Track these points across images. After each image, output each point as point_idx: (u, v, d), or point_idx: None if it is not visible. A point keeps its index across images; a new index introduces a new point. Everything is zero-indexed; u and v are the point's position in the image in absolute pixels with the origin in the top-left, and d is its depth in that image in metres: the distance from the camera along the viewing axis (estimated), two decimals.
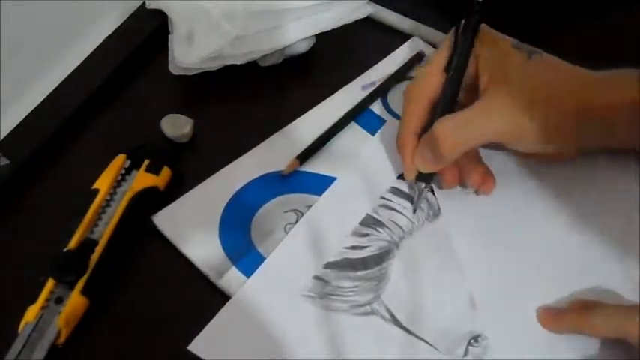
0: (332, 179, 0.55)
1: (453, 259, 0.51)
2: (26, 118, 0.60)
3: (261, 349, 0.47)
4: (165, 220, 0.53)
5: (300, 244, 0.51)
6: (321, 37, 0.63)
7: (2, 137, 0.58)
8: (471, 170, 0.52)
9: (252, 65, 0.62)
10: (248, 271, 0.50)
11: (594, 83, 0.49)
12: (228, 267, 0.51)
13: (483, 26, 0.51)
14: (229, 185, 0.55)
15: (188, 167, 0.57)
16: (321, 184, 0.55)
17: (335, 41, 0.64)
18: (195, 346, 0.47)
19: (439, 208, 0.53)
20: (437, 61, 0.52)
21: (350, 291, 0.49)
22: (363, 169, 0.55)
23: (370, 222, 0.52)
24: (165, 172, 0.55)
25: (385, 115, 0.59)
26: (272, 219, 0.53)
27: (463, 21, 0.51)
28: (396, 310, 0.49)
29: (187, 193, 0.54)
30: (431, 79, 0.52)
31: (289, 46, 0.62)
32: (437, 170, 0.51)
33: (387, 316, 0.48)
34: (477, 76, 0.51)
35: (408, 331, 0.48)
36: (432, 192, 0.54)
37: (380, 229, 0.52)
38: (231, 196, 0.54)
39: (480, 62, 0.51)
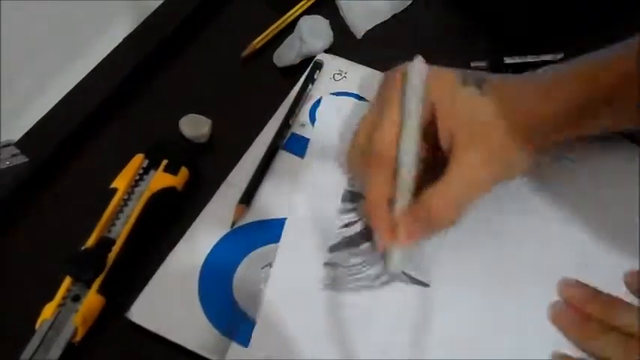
0: None
1: None
2: (45, 116, 0.60)
3: (303, 344, 0.47)
4: (141, 312, 0.49)
5: (298, 241, 0.51)
6: (337, 38, 0.63)
7: (21, 135, 0.59)
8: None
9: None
10: (249, 341, 0.47)
11: (544, 94, 0.48)
12: (228, 344, 0.47)
13: (429, 68, 0.49)
14: (195, 257, 0.51)
15: (206, 167, 0.57)
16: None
17: (350, 42, 0.64)
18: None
19: None
20: (389, 116, 0.48)
21: (361, 266, 0.50)
22: (324, 150, 0.56)
23: (350, 197, 0.53)
24: (183, 172, 0.55)
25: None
26: (252, 279, 0.50)
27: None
28: (409, 269, 0.49)
29: (153, 277, 0.50)
30: (390, 140, 0.48)
31: (306, 46, 0.62)
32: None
33: (405, 278, 0.49)
34: (433, 122, 0.49)
35: (427, 285, 0.49)
36: None
37: (361, 201, 0.53)
38: (200, 268, 0.50)
39: (437, 112, 0.48)
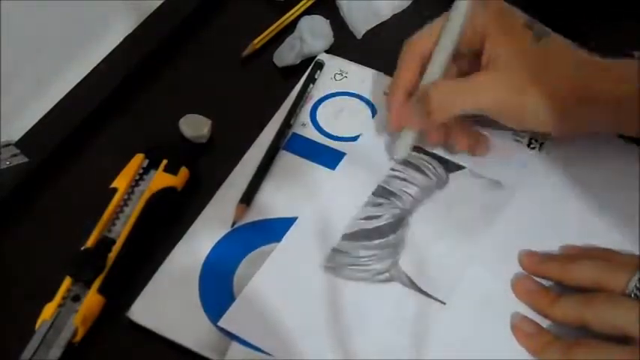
0: (294, 219, 0.52)
1: (461, 223, 0.52)
2: (45, 116, 0.60)
3: (286, 321, 0.48)
4: (142, 311, 0.49)
5: (315, 220, 0.52)
6: (337, 38, 0.63)
7: (21, 135, 0.59)
8: (458, 133, 0.54)
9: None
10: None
11: (597, 71, 0.49)
12: (228, 343, 0.47)
13: (498, 2, 0.52)
14: (195, 257, 0.51)
15: (206, 167, 0.57)
16: (285, 226, 0.52)
17: (350, 42, 0.64)
18: (224, 322, 0.47)
19: (447, 177, 0.54)
20: (439, 23, 0.52)
21: (368, 260, 0.50)
22: (370, 145, 0.56)
23: (382, 192, 0.53)
24: (183, 173, 0.55)
25: (316, 135, 0.57)
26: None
27: None
28: (413, 274, 0.49)
29: (154, 277, 0.50)
30: (428, 39, 0.52)
31: (306, 46, 0.62)
32: (422, 128, 0.53)
33: (406, 281, 0.49)
34: (482, 47, 0.51)
35: (427, 295, 0.49)
36: (440, 161, 0.55)
37: (392, 199, 0.53)
38: (201, 268, 0.50)
39: (488, 36, 0.51)
